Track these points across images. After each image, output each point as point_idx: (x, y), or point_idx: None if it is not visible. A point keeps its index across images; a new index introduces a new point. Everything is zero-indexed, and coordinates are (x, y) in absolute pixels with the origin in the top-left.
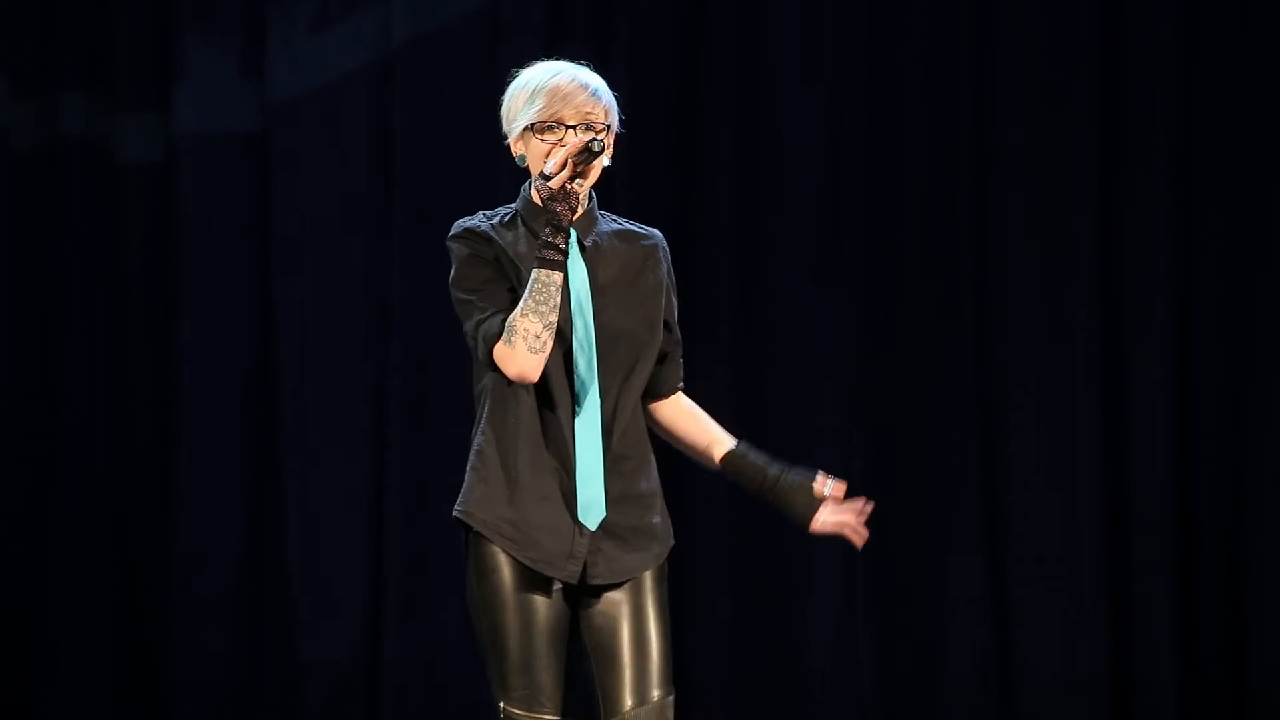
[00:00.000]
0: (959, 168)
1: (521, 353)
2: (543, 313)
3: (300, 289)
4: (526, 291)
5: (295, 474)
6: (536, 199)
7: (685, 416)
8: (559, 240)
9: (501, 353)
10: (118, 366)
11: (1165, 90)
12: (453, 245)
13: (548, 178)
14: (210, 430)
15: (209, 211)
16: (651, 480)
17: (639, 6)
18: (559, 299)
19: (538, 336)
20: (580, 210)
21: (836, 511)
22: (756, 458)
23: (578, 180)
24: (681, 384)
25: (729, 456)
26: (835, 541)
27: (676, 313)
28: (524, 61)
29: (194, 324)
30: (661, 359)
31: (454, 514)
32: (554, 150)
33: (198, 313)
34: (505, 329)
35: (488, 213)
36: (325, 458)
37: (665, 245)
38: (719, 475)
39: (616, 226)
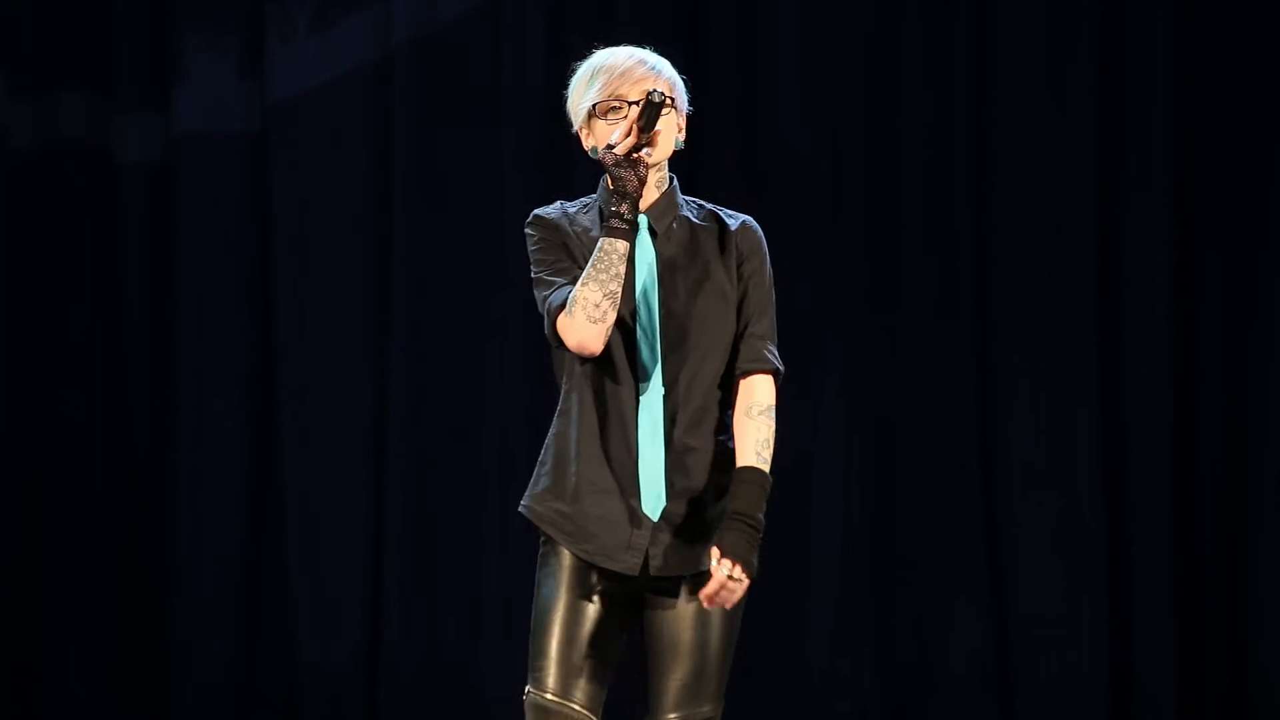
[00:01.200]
0: (959, 169)
1: (581, 322)
2: (603, 280)
3: (300, 289)
4: (590, 261)
5: (295, 474)
6: (609, 182)
7: (738, 407)
8: (624, 208)
9: (564, 324)
10: (117, 366)
11: (1165, 91)
12: (526, 232)
13: (613, 146)
14: (210, 430)
15: (208, 211)
16: (727, 472)
17: (639, 7)
18: (622, 268)
19: (597, 305)
20: (645, 183)
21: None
22: (737, 492)
23: (645, 150)
24: (758, 366)
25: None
26: (835, 541)
27: (764, 298)
28: (524, 62)
29: (194, 324)
30: (738, 340)
31: (519, 508)
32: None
33: (197, 313)
34: (568, 299)
35: (566, 202)
36: (325, 457)
37: (755, 230)
38: None
39: (699, 211)
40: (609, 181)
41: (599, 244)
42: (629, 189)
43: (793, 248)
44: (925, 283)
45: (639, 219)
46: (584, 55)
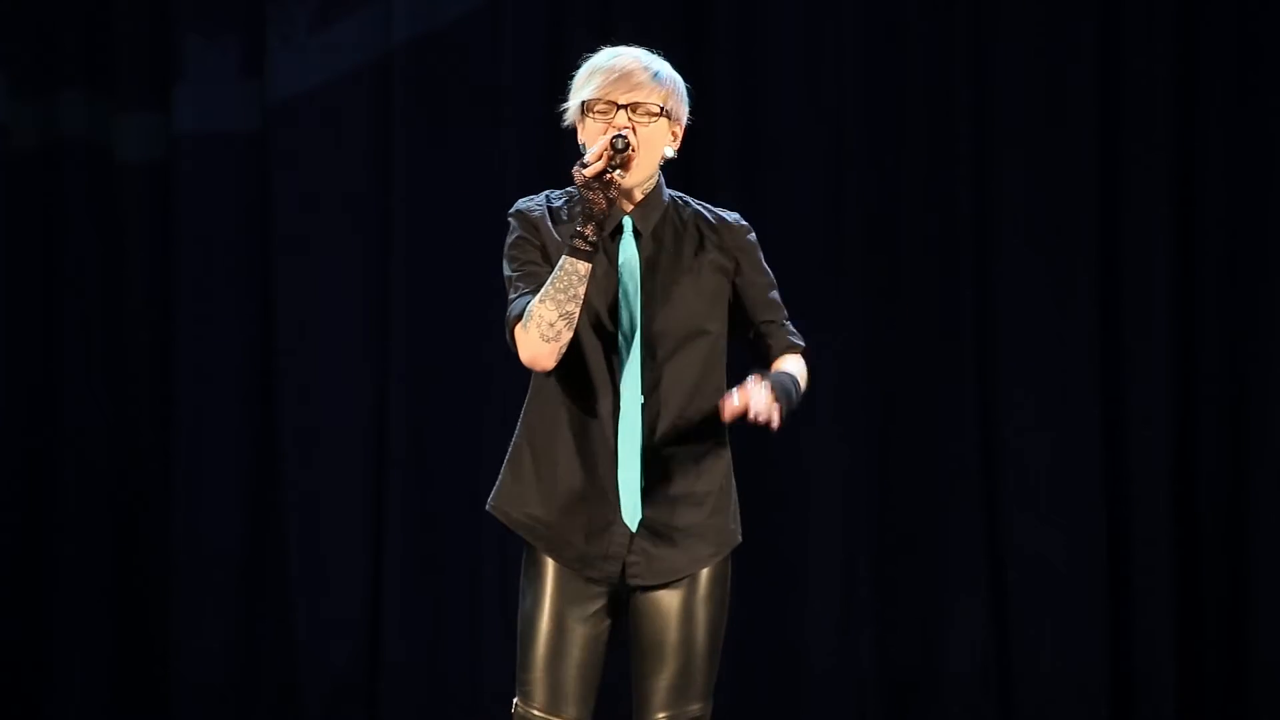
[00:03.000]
0: (959, 169)
1: (534, 339)
2: (560, 301)
3: (300, 288)
4: (550, 277)
5: (295, 474)
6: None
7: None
8: (589, 230)
9: (519, 336)
10: (118, 366)
11: (1165, 91)
12: (509, 221)
13: (586, 165)
14: (210, 430)
15: (209, 211)
16: (714, 478)
17: (639, 6)
18: (581, 289)
19: (551, 325)
20: (615, 204)
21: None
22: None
23: (618, 170)
24: (791, 349)
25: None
26: (835, 540)
27: (768, 290)
28: (524, 61)
29: (194, 323)
30: (759, 336)
31: (487, 508)
32: (607, 133)
33: (197, 312)
34: (525, 312)
35: (552, 193)
36: (325, 457)
37: (744, 226)
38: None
39: (688, 211)
40: (580, 202)
41: (560, 262)
42: (595, 210)
43: (792, 247)
44: (925, 282)
45: (625, 222)
46: (583, 54)
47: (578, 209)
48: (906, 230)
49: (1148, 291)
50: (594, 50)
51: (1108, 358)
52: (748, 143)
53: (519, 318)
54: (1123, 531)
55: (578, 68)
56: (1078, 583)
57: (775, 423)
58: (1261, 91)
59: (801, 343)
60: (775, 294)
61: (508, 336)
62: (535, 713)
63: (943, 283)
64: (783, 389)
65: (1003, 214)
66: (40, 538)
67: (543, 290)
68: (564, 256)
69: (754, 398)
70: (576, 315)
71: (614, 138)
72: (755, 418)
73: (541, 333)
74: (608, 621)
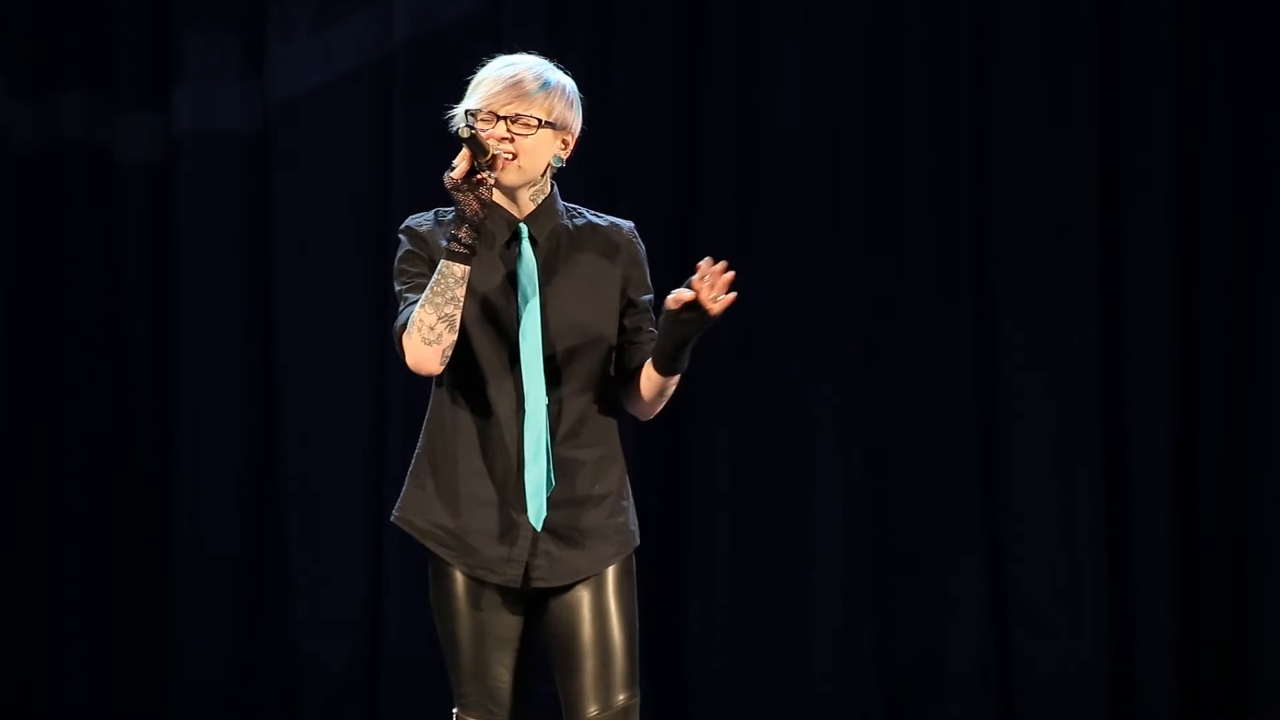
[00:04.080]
0: (960, 170)
1: (416, 343)
2: (439, 304)
3: (300, 288)
4: (430, 282)
5: (295, 474)
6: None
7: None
8: (463, 232)
9: (404, 342)
10: (118, 366)
11: (1166, 90)
12: (399, 237)
13: (454, 169)
14: (210, 430)
15: (209, 211)
16: (611, 481)
17: (639, 6)
18: (460, 291)
19: (431, 328)
20: (488, 205)
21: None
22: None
23: (489, 173)
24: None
25: (652, 360)
26: (836, 540)
27: (647, 298)
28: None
29: (194, 323)
30: (631, 344)
31: (391, 518)
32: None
33: (197, 312)
34: (408, 320)
35: (441, 210)
36: (325, 457)
37: (633, 235)
38: (661, 378)
39: (581, 220)
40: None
41: (439, 266)
42: (469, 212)
43: (792, 249)
44: (925, 282)
45: (520, 228)
46: (583, 54)
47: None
48: (906, 230)
49: (1149, 291)
50: (591, 53)
51: (1108, 359)
52: (748, 143)
53: (404, 326)
54: (1123, 532)
55: (576, 72)
56: (1078, 583)
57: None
58: (1261, 91)
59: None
60: (646, 310)
61: (396, 346)
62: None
63: (943, 283)
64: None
65: (1003, 214)
66: (40, 538)
67: (423, 295)
68: (441, 260)
69: (704, 282)
70: (457, 318)
71: (460, 128)
72: (712, 294)
73: (423, 336)
74: (523, 623)
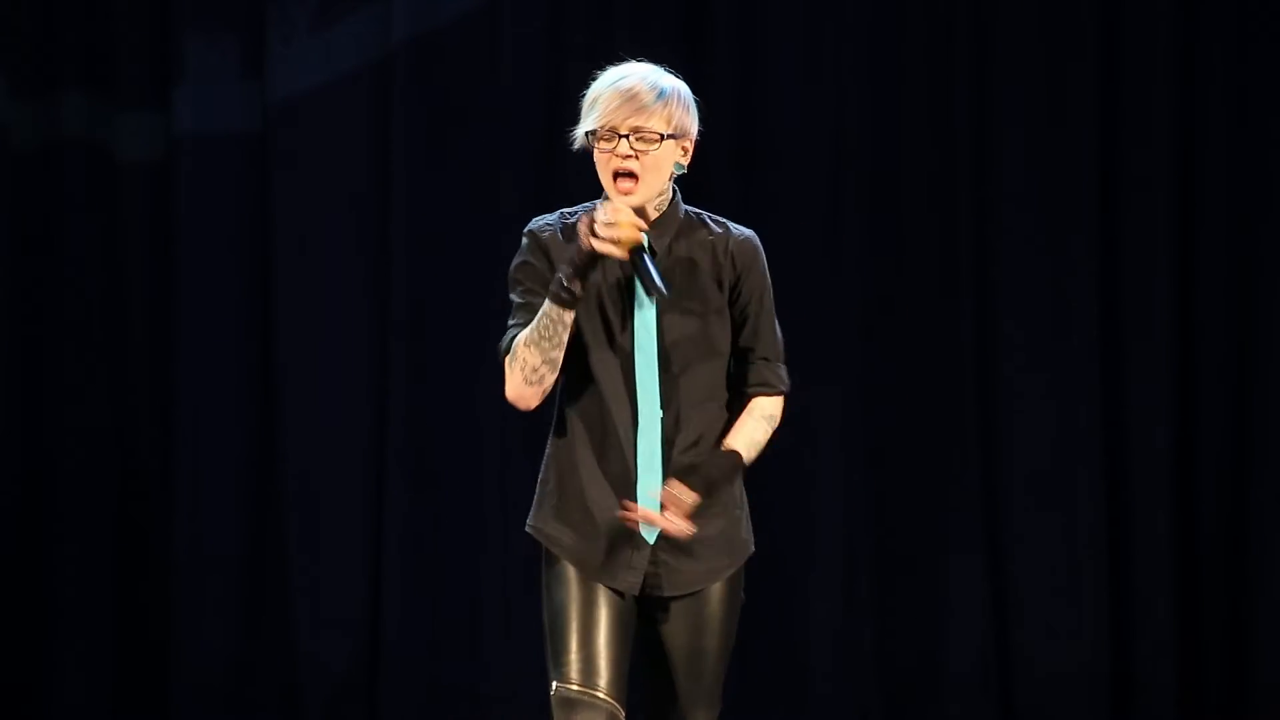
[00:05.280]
0: (960, 169)
1: (518, 381)
2: (545, 348)
3: (300, 288)
4: (535, 320)
5: (295, 474)
6: (583, 228)
7: (743, 412)
8: (574, 282)
9: (507, 371)
10: (118, 366)
11: (1166, 89)
12: (522, 239)
13: (595, 234)
14: (210, 430)
15: (209, 211)
16: (728, 491)
17: (639, 6)
18: (565, 335)
19: (535, 370)
20: (598, 259)
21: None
22: (712, 461)
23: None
24: (764, 389)
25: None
26: (836, 540)
27: (767, 317)
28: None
29: (194, 323)
30: (744, 365)
31: (526, 528)
32: (618, 186)
33: (198, 312)
34: (512, 349)
35: (568, 211)
36: (325, 457)
37: (755, 244)
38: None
39: (701, 227)
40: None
41: (544, 307)
42: (579, 260)
43: (792, 248)
44: (925, 282)
45: (641, 239)
46: (581, 57)
47: (560, 264)
48: (906, 230)
49: (1149, 291)
50: (591, 53)
51: (1108, 359)
52: (748, 143)
53: (508, 351)
54: (1123, 532)
55: (576, 72)
56: (1078, 583)
57: (678, 532)
58: (1261, 91)
59: (784, 386)
60: (776, 326)
61: (498, 359)
62: (573, 688)
63: (943, 283)
64: (706, 481)
65: (1003, 214)
66: (40, 538)
67: (528, 330)
68: (547, 301)
69: (669, 510)
70: (560, 359)
71: (632, 250)
72: (667, 523)
73: (525, 376)
74: (632, 617)
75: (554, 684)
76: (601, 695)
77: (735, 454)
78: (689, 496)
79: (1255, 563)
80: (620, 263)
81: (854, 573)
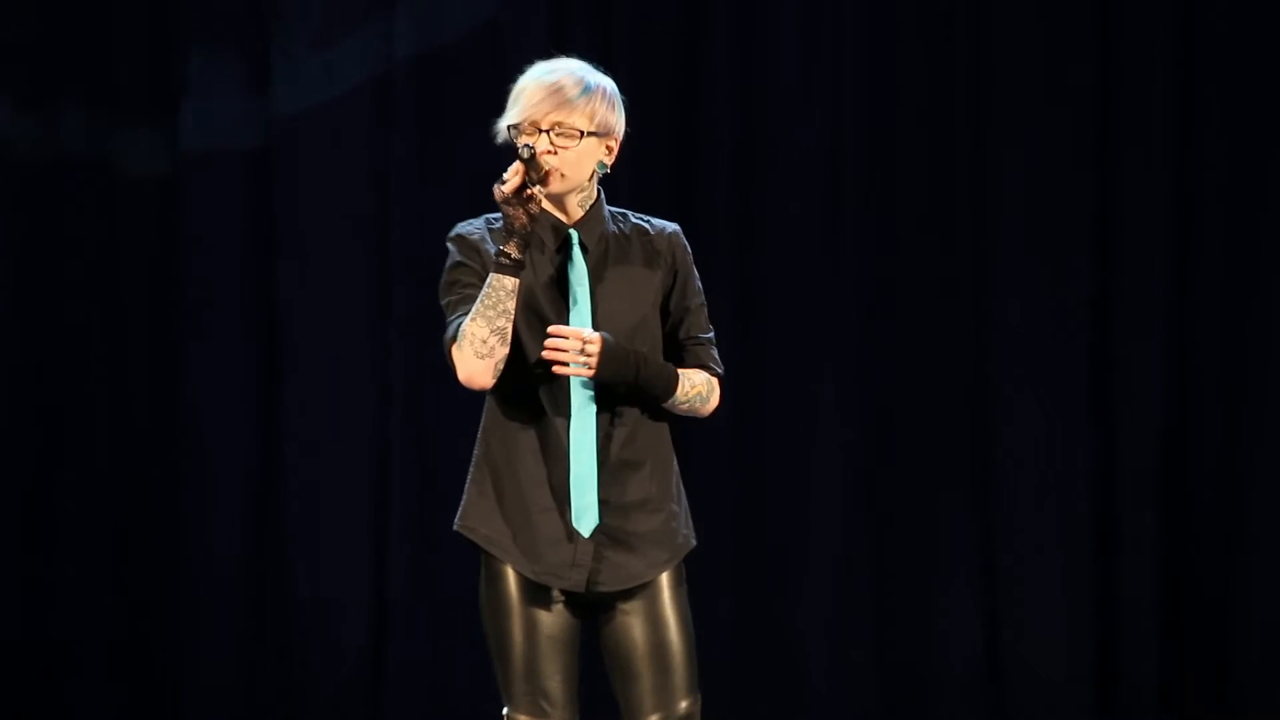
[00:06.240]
0: (959, 169)
1: (468, 356)
2: (490, 317)
3: (303, 302)
4: (480, 295)
5: (298, 479)
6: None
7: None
8: (512, 246)
9: (454, 355)
10: (122, 380)
11: (1165, 85)
12: (448, 246)
13: (504, 182)
14: (214, 442)
15: (213, 226)
16: (666, 484)
17: (641, 24)
18: (511, 304)
19: (484, 341)
20: (536, 219)
21: None
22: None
23: (537, 186)
24: (705, 371)
25: None
26: (834, 541)
27: (696, 303)
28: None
29: (197, 336)
30: (678, 349)
31: (454, 528)
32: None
33: (202, 326)
34: (459, 332)
35: (491, 217)
36: (328, 464)
37: (680, 239)
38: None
39: (627, 224)
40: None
41: (488, 280)
42: (517, 226)
43: (792, 249)
44: (924, 282)
45: (570, 234)
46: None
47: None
48: (906, 230)
49: (1146, 289)
50: (593, 59)
51: (1104, 358)
52: (747, 143)
53: (454, 338)
54: (1123, 532)
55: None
56: (1077, 584)
57: (570, 371)
58: (1261, 91)
59: (719, 370)
60: (705, 312)
61: (446, 358)
62: (524, 718)
63: (943, 283)
64: (620, 357)
65: (1003, 214)
66: (43, 545)
67: (473, 308)
68: (491, 274)
69: (572, 342)
70: (509, 330)
71: (520, 148)
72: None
73: (475, 350)
74: (575, 623)
75: (505, 711)
76: None
77: (672, 367)
78: (599, 341)
79: (1252, 563)
80: (553, 259)
81: (852, 574)
